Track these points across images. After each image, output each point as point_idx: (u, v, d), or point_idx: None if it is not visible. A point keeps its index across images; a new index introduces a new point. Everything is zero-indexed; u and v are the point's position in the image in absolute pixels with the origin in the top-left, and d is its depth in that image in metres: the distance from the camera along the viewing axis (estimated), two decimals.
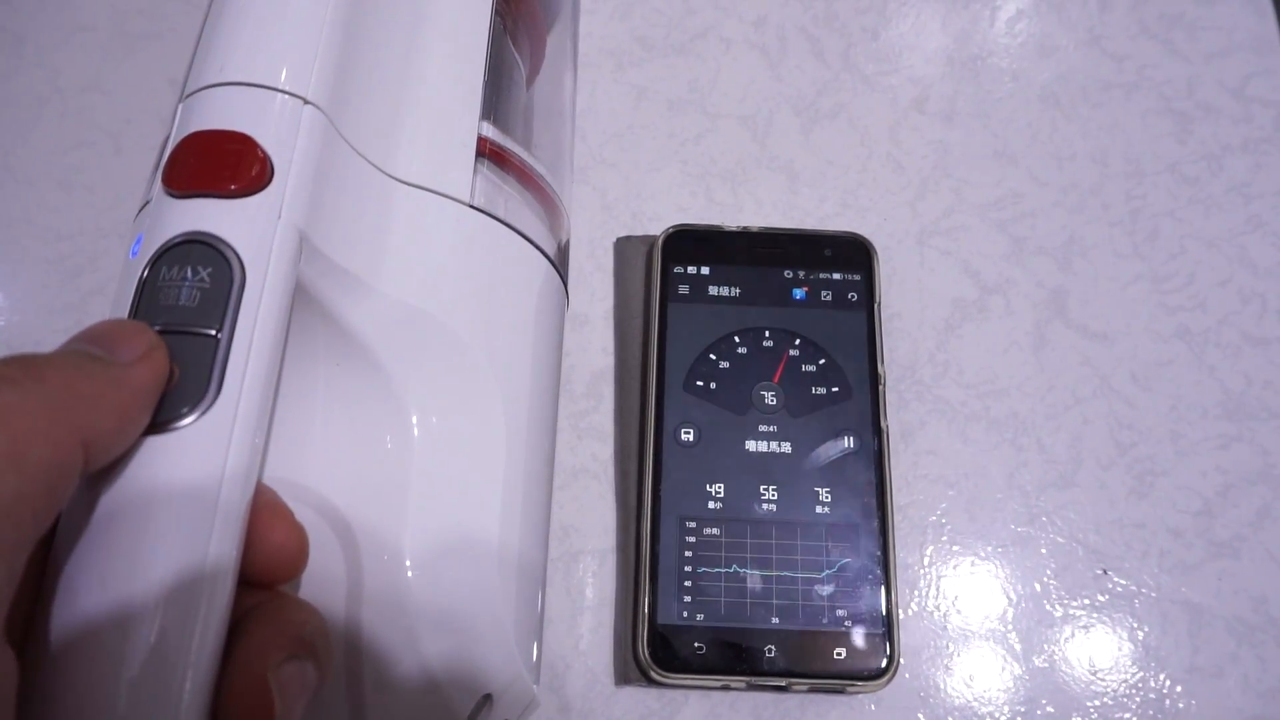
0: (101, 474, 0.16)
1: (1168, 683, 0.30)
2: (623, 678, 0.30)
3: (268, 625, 0.17)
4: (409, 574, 0.21)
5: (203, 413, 0.16)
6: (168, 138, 0.20)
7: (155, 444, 0.16)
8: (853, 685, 0.28)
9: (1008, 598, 0.31)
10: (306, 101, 0.19)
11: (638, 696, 0.30)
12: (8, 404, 0.14)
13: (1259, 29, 0.40)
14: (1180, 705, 0.30)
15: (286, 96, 0.19)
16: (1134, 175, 0.37)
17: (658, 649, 0.28)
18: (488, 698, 0.21)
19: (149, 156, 0.38)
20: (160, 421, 0.16)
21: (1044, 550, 0.32)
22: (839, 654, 0.29)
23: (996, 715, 0.30)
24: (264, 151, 0.18)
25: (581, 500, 0.32)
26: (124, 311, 0.18)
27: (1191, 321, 0.35)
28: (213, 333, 0.17)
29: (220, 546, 0.16)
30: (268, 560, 0.18)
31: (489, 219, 0.24)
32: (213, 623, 0.16)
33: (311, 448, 0.20)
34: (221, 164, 0.18)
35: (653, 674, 0.28)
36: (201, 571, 0.16)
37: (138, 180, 0.37)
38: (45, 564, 0.16)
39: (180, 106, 0.20)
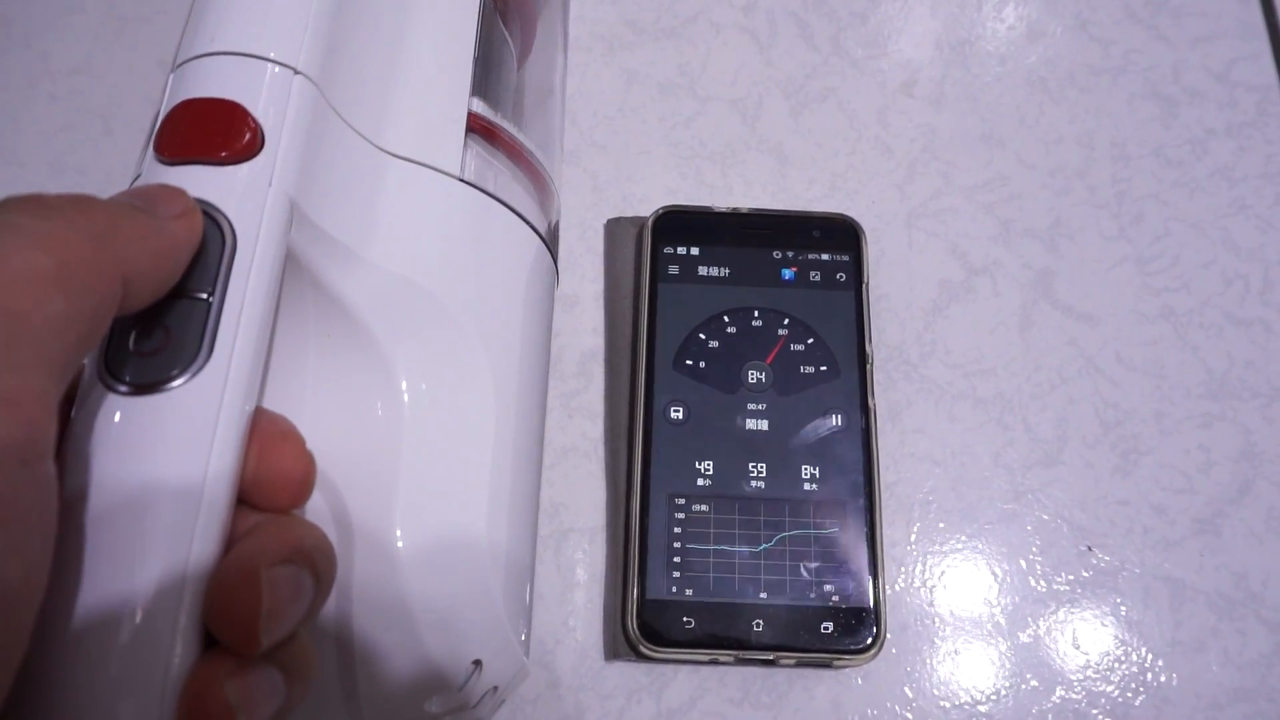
0: (93, 434, 0.16)
1: (1150, 656, 0.31)
2: (612, 652, 0.30)
3: (266, 532, 0.17)
4: (399, 543, 0.21)
5: (193, 374, 0.17)
6: (158, 111, 0.20)
7: (146, 404, 0.16)
8: (840, 659, 0.29)
9: (993, 574, 0.32)
10: (297, 72, 0.20)
11: (627, 671, 0.30)
12: (57, 231, 0.15)
13: (1243, 14, 0.40)
14: (1162, 679, 0.30)
15: (277, 66, 0.19)
16: (1120, 159, 0.38)
17: (647, 624, 0.29)
18: (477, 663, 0.21)
19: (140, 138, 0.38)
20: (151, 383, 0.17)
21: (1029, 527, 0.32)
22: (826, 628, 0.29)
23: (981, 689, 0.30)
24: (255, 120, 0.18)
25: (571, 478, 0.32)
26: None
27: (1176, 302, 0.35)
28: (204, 296, 0.17)
29: (210, 507, 0.16)
30: (274, 483, 0.18)
31: (479, 193, 0.24)
32: (202, 571, 0.16)
33: (302, 417, 0.20)
34: (213, 131, 0.18)
35: (642, 649, 0.29)
36: (192, 531, 0.16)
37: (129, 162, 0.37)
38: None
39: (171, 76, 0.20)
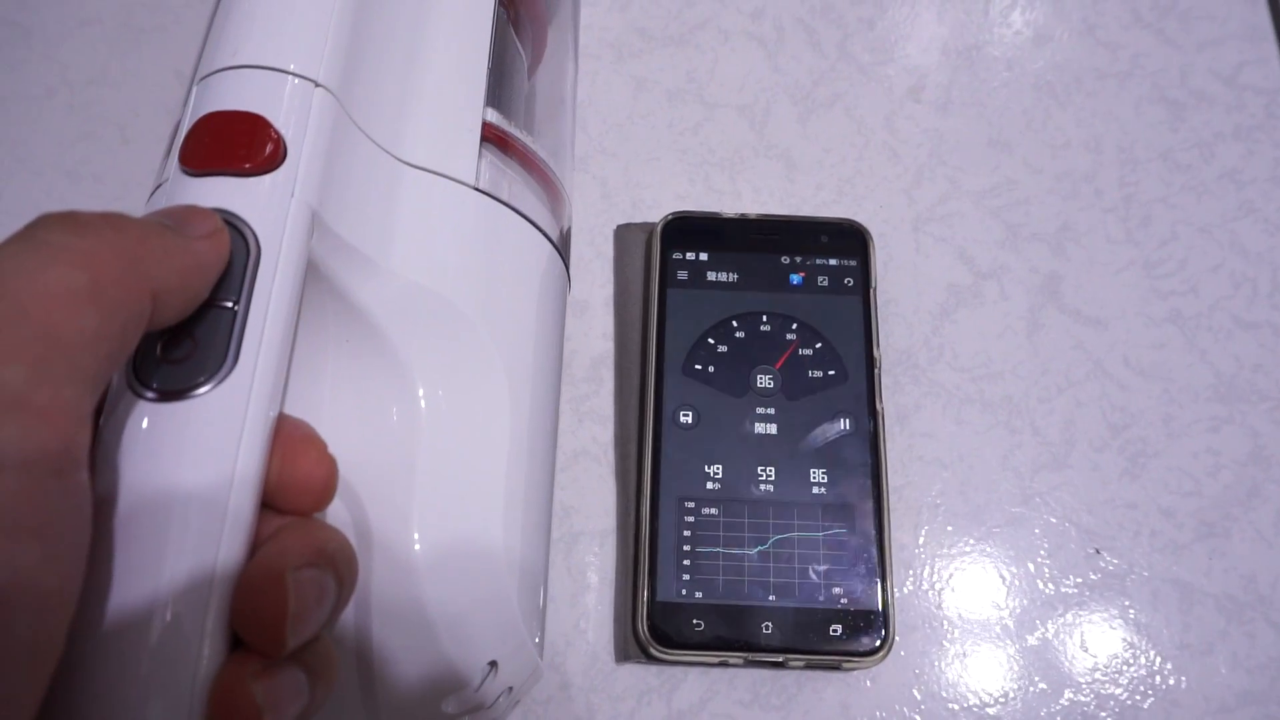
0: (121, 440, 0.17)
1: (1158, 659, 0.31)
2: (623, 655, 0.31)
3: (291, 535, 0.18)
4: (417, 547, 0.21)
5: (219, 382, 0.17)
6: (180, 121, 0.21)
7: (173, 411, 0.17)
8: (849, 662, 0.29)
9: (1001, 577, 0.32)
10: (317, 84, 0.20)
11: (638, 673, 0.30)
12: (91, 248, 0.16)
13: (1251, 18, 0.40)
14: (1170, 681, 0.30)
15: (298, 79, 0.20)
16: (1127, 162, 0.38)
17: (657, 626, 0.29)
18: (493, 664, 0.22)
19: (156, 147, 0.38)
20: (178, 390, 0.17)
21: (1037, 530, 0.32)
22: (835, 631, 0.29)
23: (990, 691, 0.30)
24: (277, 132, 0.19)
25: (582, 482, 0.33)
26: None
27: (1184, 306, 0.36)
28: (229, 305, 0.18)
29: (236, 511, 0.17)
30: (297, 487, 0.18)
31: (494, 202, 0.25)
32: (228, 574, 0.16)
33: (321, 423, 0.20)
34: (237, 143, 0.19)
35: (652, 651, 0.29)
36: (219, 535, 0.16)
37: (144, 171, 0.38)
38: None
39: (195, 88, 0.20)
